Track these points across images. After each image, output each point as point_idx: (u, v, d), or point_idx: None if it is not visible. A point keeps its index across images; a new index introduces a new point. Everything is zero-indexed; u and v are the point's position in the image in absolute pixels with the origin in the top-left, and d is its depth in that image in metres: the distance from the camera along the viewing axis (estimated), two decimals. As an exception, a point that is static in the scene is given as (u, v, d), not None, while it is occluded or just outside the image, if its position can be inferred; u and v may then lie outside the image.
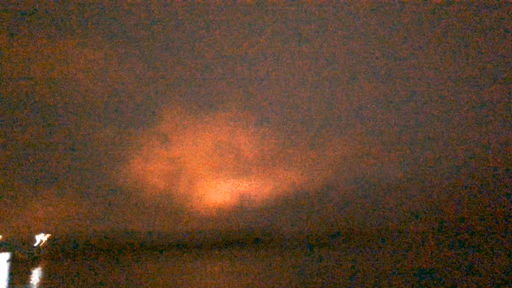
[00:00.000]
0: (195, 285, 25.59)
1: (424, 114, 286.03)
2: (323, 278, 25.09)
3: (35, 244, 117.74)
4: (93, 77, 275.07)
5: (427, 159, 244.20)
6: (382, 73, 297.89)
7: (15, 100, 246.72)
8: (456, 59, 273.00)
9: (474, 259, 35.87)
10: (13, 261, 76.93)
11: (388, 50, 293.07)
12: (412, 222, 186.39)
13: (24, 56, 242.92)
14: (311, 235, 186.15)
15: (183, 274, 34.42)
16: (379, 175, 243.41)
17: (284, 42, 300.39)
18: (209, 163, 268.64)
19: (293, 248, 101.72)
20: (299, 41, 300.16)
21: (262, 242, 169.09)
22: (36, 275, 42.01)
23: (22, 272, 45.58)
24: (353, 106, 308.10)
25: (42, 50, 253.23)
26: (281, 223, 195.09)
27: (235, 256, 66.30)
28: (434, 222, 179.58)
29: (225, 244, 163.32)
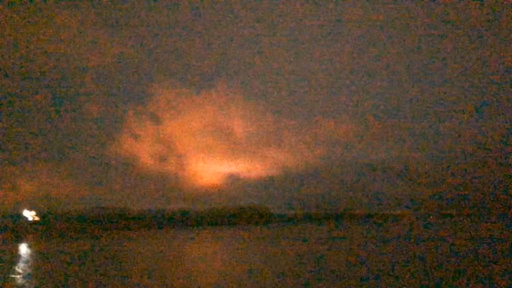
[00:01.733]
0: (184, 262, 25.45)
1: (419, 93, 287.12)
2: (307, 257, 25.21)
3: (23, 220, 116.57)
4: (86, 54, 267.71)
5: (420, 141, 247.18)
6: (377, 55, 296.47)
7: (8, 73, 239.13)
8: (451, 48, 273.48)
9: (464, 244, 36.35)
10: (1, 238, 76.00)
11: (384, 33, 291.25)
12: (404, 205, 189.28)
13: (19, 30, 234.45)
14: (301, 214, 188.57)
15: (172, 252, 34.29)
16: (371, 156, 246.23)
17: (278, 22, 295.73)
18: (200, 142, 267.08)
19: (283, 228, 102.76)
20: (293, 20, 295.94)
21: (252, 221, 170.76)
22: (24, 252, 41.45)
23: (10, 249, 44.98)
24: (347, 87, 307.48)
25: (36, 25, 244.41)
26: (271, 202, 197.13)
27: (225, 235, 66.53)
28: (427, 205, 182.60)
29: (216, 223, 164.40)
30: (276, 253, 30.81)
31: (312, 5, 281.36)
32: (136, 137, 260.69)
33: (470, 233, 49.58)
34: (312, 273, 19.50)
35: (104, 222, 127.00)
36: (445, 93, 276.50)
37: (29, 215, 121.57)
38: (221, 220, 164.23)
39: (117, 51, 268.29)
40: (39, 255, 37.77)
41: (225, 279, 18.49)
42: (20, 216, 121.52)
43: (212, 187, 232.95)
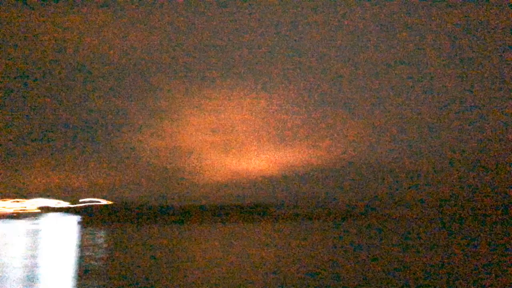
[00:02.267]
0: (192, 260, 26.51)
1: (432, 91, 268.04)
2: (320, 253, 25.58)
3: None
4: (97, 49, 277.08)
5: (431, 140, 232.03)
6: (390, 50, 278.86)
7: (22, 68, 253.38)
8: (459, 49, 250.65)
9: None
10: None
11: (397, 28, 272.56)
12: (410, 205, 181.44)
13: (25, 25, 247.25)
14: (305, 213, 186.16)
15: (181, 249, 35.51)
16: (377, 155, 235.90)
17: (286, 15, 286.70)
18: (204, 138, 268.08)
19: (293, 224, 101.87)
20: (302, 13, 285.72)
21: (256, 219, 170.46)
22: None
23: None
24: (352, 84, 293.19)
25: (43, 19, 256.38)
26: (276, 200, 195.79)
27: (228, 232, 67.06)
28: (435, 205, 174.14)
29: (219, 220, 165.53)
30: (281, 252, 31.27)
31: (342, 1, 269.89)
32: (142, 132, 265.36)
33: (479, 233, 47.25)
34: (312, 272, 20.18)
35: (114, 216, 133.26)
36: (460, 91, 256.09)
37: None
38: (224, 217, 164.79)
39: (124, 47, 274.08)
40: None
41: (225, 276, 19.65)
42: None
43: (216, 184, 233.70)
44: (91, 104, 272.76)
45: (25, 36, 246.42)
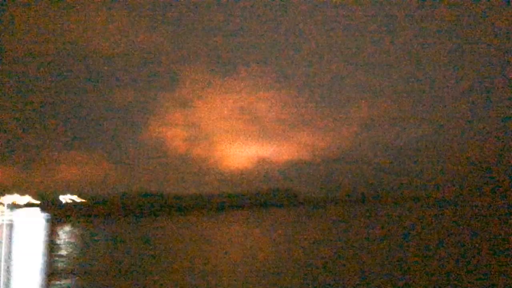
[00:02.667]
0: (216, 247, 27.01)
1: (455, 75, 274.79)
2: (335, 242, 25.92)
3: (61, 205, 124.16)
4: (117, 42, 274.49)
5: (453, 122, 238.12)
6: (406, 36, 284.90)
7: (42, 63, 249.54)
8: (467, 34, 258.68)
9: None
10: (51, 220, 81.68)
11: (412, 17, 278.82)
12: (436, 188, 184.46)
13: (50, 20, 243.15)
14: (330, 198, 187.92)
15: (203, 236, 36.12)
16: (402, 139, 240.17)
17: (307, 4, 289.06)
18: (229, 126, 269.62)
19: (311, 211, 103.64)
20: (321, 3, 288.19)
21: (281, 205, 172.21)
22: (65, 235, 44.96)
23: (60, 230, 48.77)
24: (378, 68, 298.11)
25: (67, 14, 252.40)
26: (300, 185, 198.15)
27: (253, 219, 68.34)
28: (458, 190, 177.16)
29: (244, 206, 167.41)
30: (302, 238, 31.88)
31: None
32: (166, 122, 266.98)
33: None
34: (333, 259, 20.39)
35: (138, 205, 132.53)
36: (484, 75, 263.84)
37: (70, 198, 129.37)
38: (250, 203, 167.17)
39: (146, 40, 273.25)
40: (77, 236, 40.99)
41: (246, 264, 19.73)
42: (61, 199, 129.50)
43: (242, 170, 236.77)
44: (84, 99, 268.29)
45: (47, 29, 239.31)
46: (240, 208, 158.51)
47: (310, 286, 13.30)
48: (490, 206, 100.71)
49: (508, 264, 16.26)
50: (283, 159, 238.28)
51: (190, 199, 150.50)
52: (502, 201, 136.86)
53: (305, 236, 31.73)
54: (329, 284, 13.77)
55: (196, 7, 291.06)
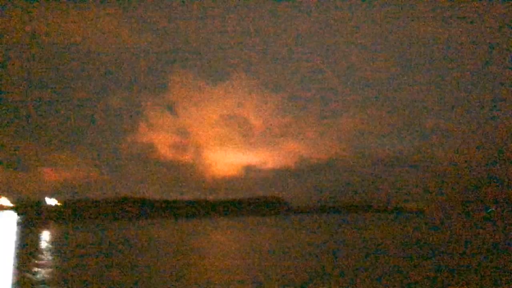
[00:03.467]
0: (201, 253, 25.77)
1: (436, 85, 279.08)
2: (322, 249, 25.13)
3: (44, 208, 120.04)
4: (105, 45, 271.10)
5: (439, 133, 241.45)
6: (395, 44, 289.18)
7: (32, 65, 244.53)
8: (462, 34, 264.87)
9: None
10: (24, 224, 78.35)
11: (400, 23, 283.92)
12: (421, 198, 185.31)
13: (35, 22, 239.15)
14: (317, 206, 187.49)
15: (190, 242, 34.72)
16: (388, 149, 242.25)
17: (296, 13, 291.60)
18: (217, 132, 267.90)
19: (298, 219, 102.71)
20: (312, 11, 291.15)
21: (268, 212, 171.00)
22: (45, 239, 42.62)
23: (33, 235, 46.36)
24: (366, 79, 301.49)
25: (54, 15, 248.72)
26: (287, 193, 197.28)
27: (241, 225, 66.87)
28: (446, 199, 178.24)
29: (232, 213, 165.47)
30: (289, 245, 30.76)
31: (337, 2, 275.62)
32: (153, 127, 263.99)
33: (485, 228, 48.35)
34: (320, 265, 19.28)
35: (122, 210, 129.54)
36: (467, 86, 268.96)
37: (51, 202, 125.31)
38: (238, 211, 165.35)
39: (135, 43, 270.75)
40: (58, 240, 38.81)
41: (233, 270, 18.44)
42: (42, 202, 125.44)
43: (229, 178, 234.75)
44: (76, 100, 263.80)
45: (36, 33, 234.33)
46: (226, 215, 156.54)
47: None
48: (475, 216, 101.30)
49: (492, 276, 15.45)
50: (271, 167, 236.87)
51: (175, 205, 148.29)
52: (487, 212, 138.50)
53: (290, 244, 30.57)
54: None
55: (189, 11, 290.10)
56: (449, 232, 41.47)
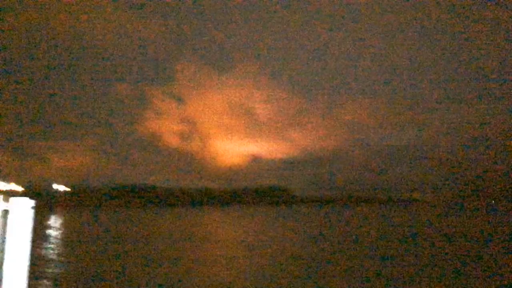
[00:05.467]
0: (204, 240, 26.83)
1: (444, 78, 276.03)
2: (325, 239, 25.95)
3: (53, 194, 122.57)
4: (112, 34, 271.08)
5: (445, 126, 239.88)
6: (398, 38, 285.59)
7: (37, 53, 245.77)
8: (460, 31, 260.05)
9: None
10: (36, 209, 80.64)
11: (401, 18, 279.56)
12: (425, 190, 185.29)
13: (42, 12, 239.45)
14: (322, 197, 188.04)
15: (192, 230, 35.86)
16: (393, 141, 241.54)
17: (302, 5, 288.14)
18: (223, 122, 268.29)
19: (302, 210, 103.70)
20: (320, 5, 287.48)
21: (273, 202, 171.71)
22: (55, 224, 44.29)
23: (43, 220, 48.08)
24: (368, 71, 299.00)
25: (59, 5, 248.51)
26: (292, 184, 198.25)
27: (245, 215, 68.06)
28: (448, 192, 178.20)
29: (237, 202, 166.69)
30: (293, 235, 31.79)
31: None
32: (160, 116, 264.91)
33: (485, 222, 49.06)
34: (320, 257, 20.22)
35: (128, 197, 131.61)
36: (470, 79, 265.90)
37: (60, 188, 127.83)
38: (243, 200, 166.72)
39: (143, 33, 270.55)
40: (64, 225, 40.42)
41: (231, 261, 19.47)
42: (52, 188, 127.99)
43: (235, 167, 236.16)
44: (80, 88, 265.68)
45: (45, 22, 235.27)
46: (231, 205, 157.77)
47: (299, 284, 13.20)
48: (478, 209, 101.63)
49: (496, 267, 16.23)
50: (276, 157, 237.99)
51: (181, 194, 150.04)
52: (489, 204, 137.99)
53: (295, 234, 31.67)
54: (318, 282, 13.67)
55: (197, 2, 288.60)
56: (451, 223, 42.21)
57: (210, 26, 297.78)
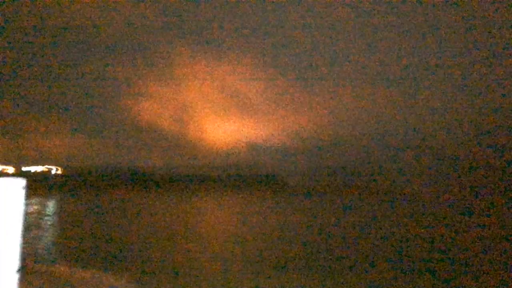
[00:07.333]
0: (199, 222, 26.40)
1: (447, 65, 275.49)
2: (315, 224, 25.54)
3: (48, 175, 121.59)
4: (108, 19, 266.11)
5: (446, 115, 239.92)
6: (395, 22, 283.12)
7: (24, 34, 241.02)
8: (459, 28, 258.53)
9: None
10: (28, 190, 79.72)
11: (400, 7, 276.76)
12: (424, 181, 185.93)
13: None
14: (317, 185, 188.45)
15: (187, 210, 35.44)
16: (387, 126, 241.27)
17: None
18: (216, 107, 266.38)
19: (294, 192, 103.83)
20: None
21: (267, 189, 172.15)
22: (50, 206, 43.59)
23: (36, 202, 47.35)
24: (362, 53, 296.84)
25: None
26: (287, 171, 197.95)
27: (237, 202, 67.87)
28: (444, 183, 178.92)
29: (231, 189, 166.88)
30: (286, 224, 31.41)
31: None
32: (155, 100, 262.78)
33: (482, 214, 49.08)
34: (314, 245, 19.87)
35: (122, 180, 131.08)
36: (473, 68, 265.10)
37: (54, 170, 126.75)
38: (237, 187, 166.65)
39: (138, 16, 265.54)
40: (59, 210, 39.75)
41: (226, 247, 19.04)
42: (45, 170, 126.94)
43: (230, 154, 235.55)
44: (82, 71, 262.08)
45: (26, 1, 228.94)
46: (225, 191, 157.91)
47: (291, 273, 12.73)
48: (473, 203, 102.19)
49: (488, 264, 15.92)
50: (272, 144, 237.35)
51: (174, 178, 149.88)
52: (483, 198, 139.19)
53: (287, 222, 31.26)
54: (311, 269, 13.20)
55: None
56: (447, 215, 42.10)
57: (208, 12, 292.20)
